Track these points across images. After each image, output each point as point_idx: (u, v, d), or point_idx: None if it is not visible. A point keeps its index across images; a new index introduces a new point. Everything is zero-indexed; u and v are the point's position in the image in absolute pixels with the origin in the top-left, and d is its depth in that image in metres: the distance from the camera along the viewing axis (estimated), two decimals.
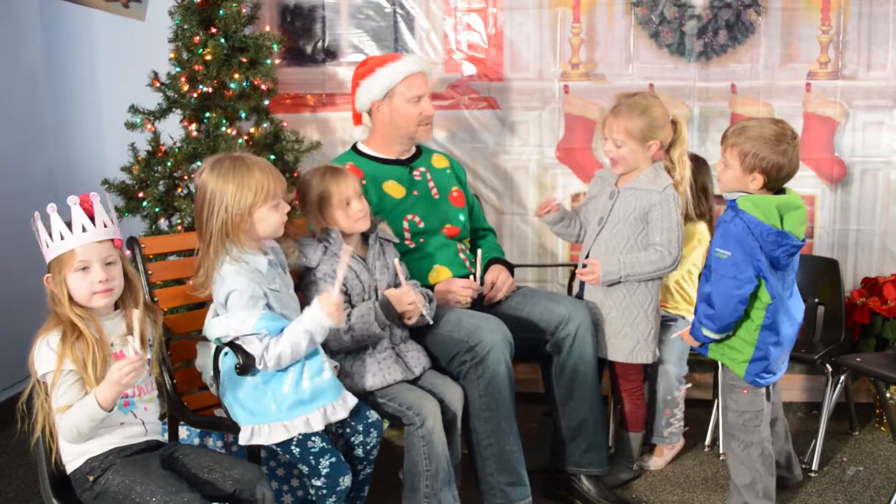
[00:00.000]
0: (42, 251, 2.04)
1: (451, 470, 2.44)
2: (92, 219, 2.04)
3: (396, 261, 2.50)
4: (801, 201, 2.44)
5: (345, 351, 2.48)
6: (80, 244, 2.03)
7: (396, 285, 2.55)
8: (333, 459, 2.25)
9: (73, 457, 2.05)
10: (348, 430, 2.35)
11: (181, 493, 1.95)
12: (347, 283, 2.48)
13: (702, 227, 3.13)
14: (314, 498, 2.27)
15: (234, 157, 2.26)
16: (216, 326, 2.22)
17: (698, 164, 3.17)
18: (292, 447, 2.23)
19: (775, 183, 2.42)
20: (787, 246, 2.38)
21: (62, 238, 2.02)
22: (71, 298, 2.02)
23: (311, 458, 2.23)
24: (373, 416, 2.38)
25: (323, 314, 2.18)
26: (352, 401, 2.32)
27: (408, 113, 2.91)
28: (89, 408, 1.95)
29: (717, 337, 2.48)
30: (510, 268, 3.01)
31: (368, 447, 2.37)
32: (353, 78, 3.03)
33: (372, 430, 2.37)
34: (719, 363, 2.66)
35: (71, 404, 1.97)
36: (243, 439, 2.23)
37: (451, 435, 2.52)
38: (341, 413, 2.28)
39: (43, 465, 2.06)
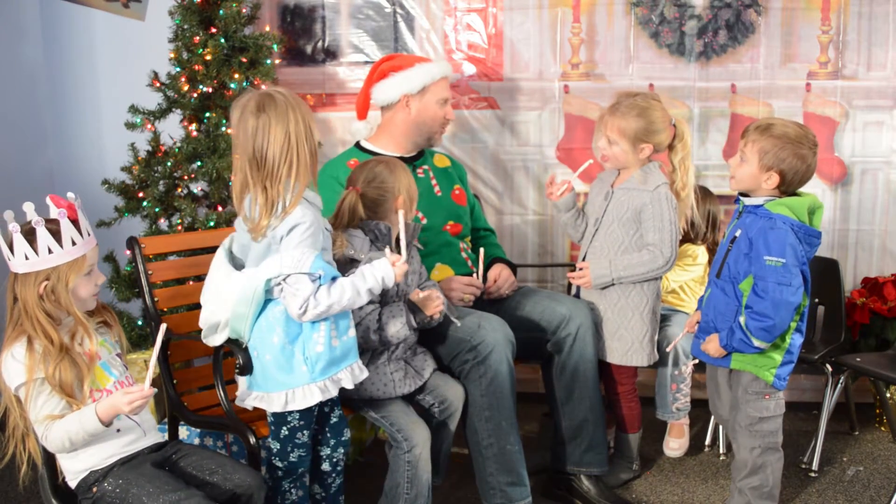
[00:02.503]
0: (34, 259, 1.96)
1: (430, 496, 2.45)
2: (76, 223, 2.03)
3: (417, 291, 2.48)
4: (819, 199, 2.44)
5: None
6: (89, 248, 2.04)
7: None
8: (303, 454, 2.26)
9: (76, 473, 2.03)
10: (320, 437, 2.33)
11: (177, 492, 1.95)
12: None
13: (702, 250, 3.18)
14: (270, 481, 2.25)
15: (279, 90, 2.14)
16: (268, 268, 2.12)
17: (704, 194, 3.20)
18: (284, 427, 2.21)
19: (788, 186, 2.38)
20: (817, 245, 2.38)
21: (73, 244, 2.00)
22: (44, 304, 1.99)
23: (290, 445, 2.23)
24: (346, 434, 2.38)
25: (391, 273, 2.17)
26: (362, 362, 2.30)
27: (435, 112, 2.96)
28: (88, 422, 1.94)
29: (766, 347, 2.39)
30: (513, 268, 3.02)
31: (334, 461, 2.36)
32: (377, 70, 3.01)
33: (341, 448, 2.36)
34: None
35: (56, 414, 1.96)
36: (278, 406, 2.17)
37: (448, 430, 2.54)
38: (365, 373, 2.26)
39: (44, 472, 2.06)
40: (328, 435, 2.34)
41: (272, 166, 2.09)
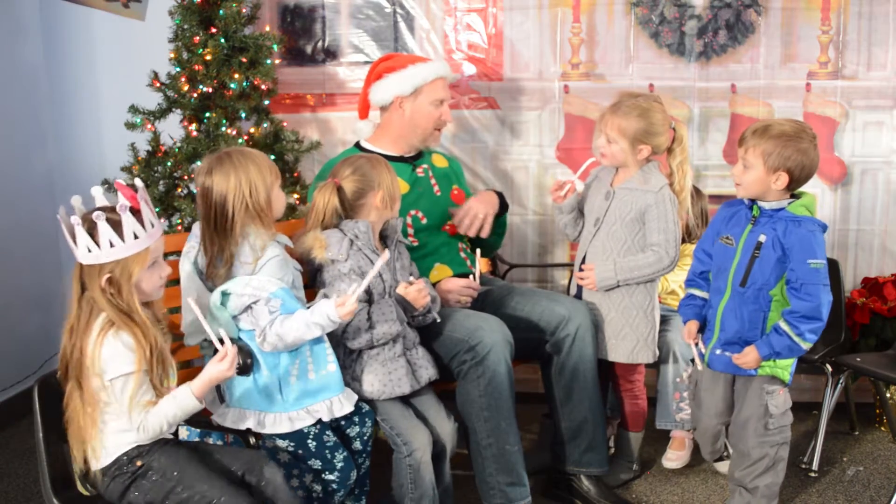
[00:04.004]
0: (96, 251, 1.96)
1: (436, 495, 2.46)
2: (139, 213, 2.01)
3: (404, 285, 2.49)
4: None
5: (358, 350, 2.46)
6: (153, 241, 2.02)
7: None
8: (346, 454, 2.29)
9: (119, 446, 2.01)
10: (343, 421, 2.36)
11: (221, 479, 1.99)
12: (371, 283, 2.44)
13: None
14: (322, 494, 2.28)
15: (233, 151, 2.30)
16: (235, 282, 2.22)
17: (695, 192, 3.21)
18: (308, 441, 2.25)
19: (797, 183, 2.38)
20: None
21: (136, 237, 1.97)
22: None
23: (328, 452, 2.27)
24: (364, 406, 2.42)
25: (336, 315, 2.21)
26: (353, 396, 2.36)
27: (429, 114, 2.95)
28: (186, 403, 1.98)
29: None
30: (503, 205, 3.05)
31: (365, 437, 2.39)
32: (374, 70, 3.02)
33: (366, 419, 2.40)
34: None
35: (154, 400, 1.98)
36: (251, 424, 2.23)
37: (440, 466, 2.53)
38: (347, 408, 2.32)
39: (44, 465, 2.05)
40: (349, 414, 2.36)
41: (222, 219, 2.23)
